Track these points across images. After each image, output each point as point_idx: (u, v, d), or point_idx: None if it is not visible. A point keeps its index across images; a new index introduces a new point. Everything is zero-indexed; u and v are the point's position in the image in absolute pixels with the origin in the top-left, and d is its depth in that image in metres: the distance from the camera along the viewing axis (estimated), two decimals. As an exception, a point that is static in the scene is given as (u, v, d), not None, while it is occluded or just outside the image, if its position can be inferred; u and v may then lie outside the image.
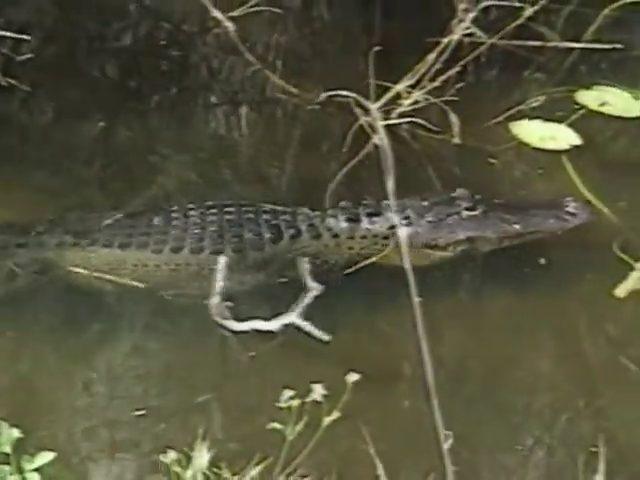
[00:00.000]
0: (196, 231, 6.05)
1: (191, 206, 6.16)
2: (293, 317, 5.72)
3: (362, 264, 6.07)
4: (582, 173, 6.73)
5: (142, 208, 6.28)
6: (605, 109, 7.38)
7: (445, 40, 6.67)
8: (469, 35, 6.87)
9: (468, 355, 5.72)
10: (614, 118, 7.32)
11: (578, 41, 7.74)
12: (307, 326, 5.68)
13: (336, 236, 6.15)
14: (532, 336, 5.87)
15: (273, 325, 5.70)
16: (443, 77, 6.67)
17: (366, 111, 6.11)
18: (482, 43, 7.02)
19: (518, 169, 6.95)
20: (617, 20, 7.79)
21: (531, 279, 6.11)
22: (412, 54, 6.80)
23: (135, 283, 5.98)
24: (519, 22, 6.92)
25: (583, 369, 5.67)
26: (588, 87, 7.51)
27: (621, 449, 5.14)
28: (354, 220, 6.18)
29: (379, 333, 5.82)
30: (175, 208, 6.17)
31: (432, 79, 6.63)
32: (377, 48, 6.46)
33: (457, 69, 6.79)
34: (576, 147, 7.03)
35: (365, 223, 6.17)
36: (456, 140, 6.85)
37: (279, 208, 6.18)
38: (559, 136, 7.12)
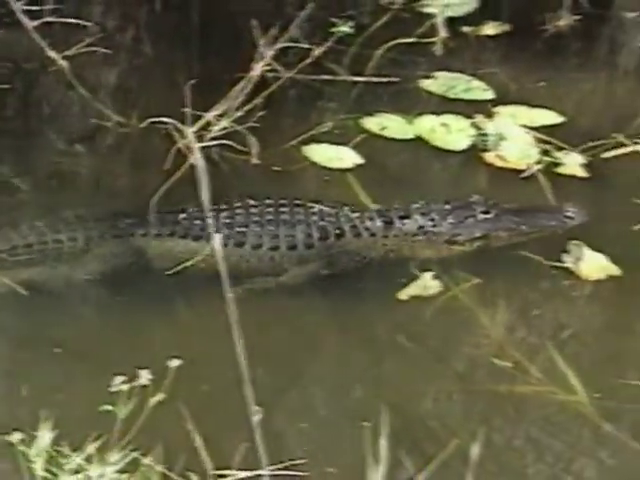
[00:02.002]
0: (256, 229, 6.15)
1: (253, 203, 6.26)
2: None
3: (183, 265, 6.08)
4: (365, 187, 6.88)
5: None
6: (384, 132, 7.54)
7: (249, 74, 6.75)
8: (272, 70, 6.97)
9: (278, 344, 5.83)
10: (392, 140, 7.49)
11: (362, 75, 7.94)
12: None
13: (373, 235, 6.32)
14: (330, 330, 6.02)
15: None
16: (247, 107, 6.73)
17: (183, 136, 6.16)
18: (281, 77, 7.14)
19: (308, 184, 7.08)
20: (393, 59, 8.06)
21: (331, 288, 6.24)
22: (224, 86, 6.83)
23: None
24: (311, 60, 7.06)
25: (370, 352, 5.83)
26: (371, 114, 7.65)
27: (404, 419, 5.28)
28: (388, 221, 6.35)
29: (201, 324, 5.85)
30: (239, 204, 6.25)
31: (238, 108, 6.69)
32: (194, 81, 6.49)
33: (260, 100, 6.86)
34: (360, 165, 7.17)
35: (397, 224, 6.35)
36: (255, 160, 6.95)
37: (325, 209, 6.32)
38: (345, 156, 7.24)
